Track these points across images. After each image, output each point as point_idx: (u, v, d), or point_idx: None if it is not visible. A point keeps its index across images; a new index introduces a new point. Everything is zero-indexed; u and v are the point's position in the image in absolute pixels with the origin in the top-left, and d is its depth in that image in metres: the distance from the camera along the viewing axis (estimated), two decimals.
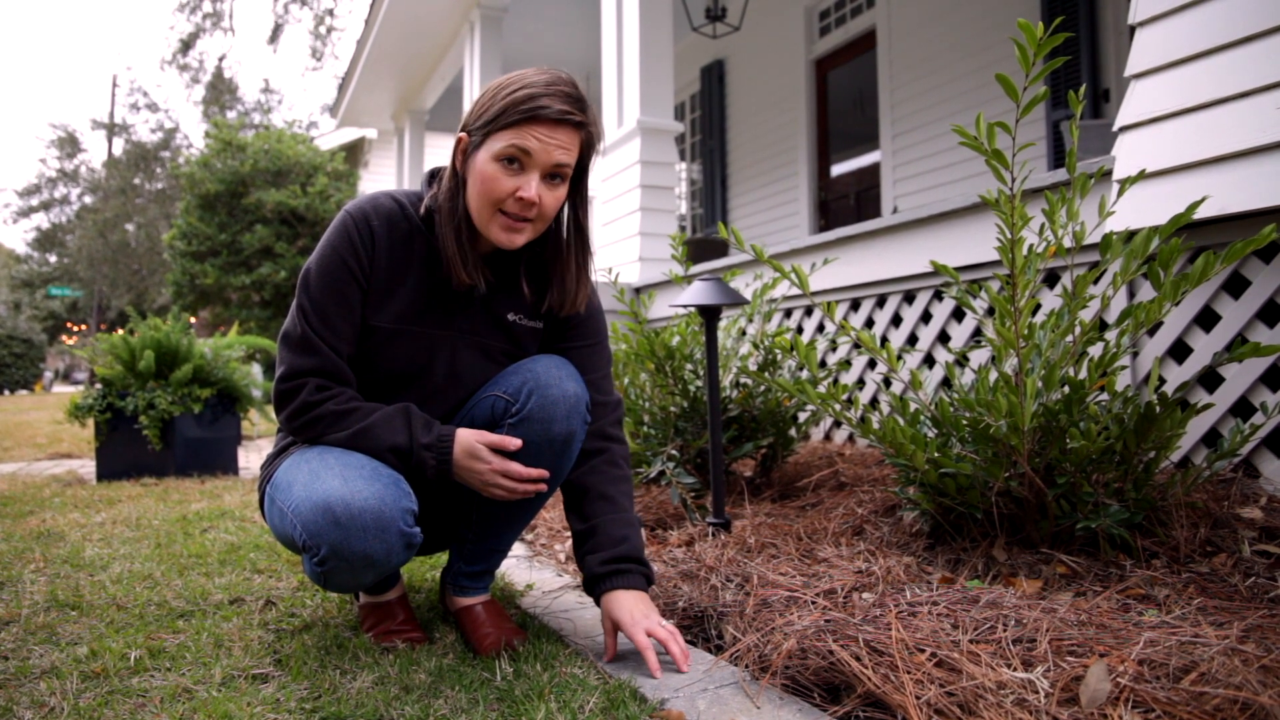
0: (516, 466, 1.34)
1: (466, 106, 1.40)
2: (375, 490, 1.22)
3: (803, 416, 2.61)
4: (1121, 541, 1.57)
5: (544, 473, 1.36)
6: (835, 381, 2.32)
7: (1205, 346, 1.96)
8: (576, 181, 1.39)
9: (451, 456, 1.34)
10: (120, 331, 4.05)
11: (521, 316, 1.47)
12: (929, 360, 2.75)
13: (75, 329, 31.10)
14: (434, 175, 1.44)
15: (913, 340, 2.83)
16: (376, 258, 1.37)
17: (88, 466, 4.33)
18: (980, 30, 5.36)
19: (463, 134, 1.35)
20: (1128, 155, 2.01)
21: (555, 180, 1.32)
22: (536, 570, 1.95)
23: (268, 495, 1.37)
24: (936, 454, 1.59)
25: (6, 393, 19.47)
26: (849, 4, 6.51)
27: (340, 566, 1.22)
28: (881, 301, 2.99)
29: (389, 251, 1.37)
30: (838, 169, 6.87)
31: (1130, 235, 1.76)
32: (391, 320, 1.38)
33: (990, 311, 2.15)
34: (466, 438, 1.34)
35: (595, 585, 1.39)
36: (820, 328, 3.24)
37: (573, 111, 1.29)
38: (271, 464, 1.43)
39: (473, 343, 1.43)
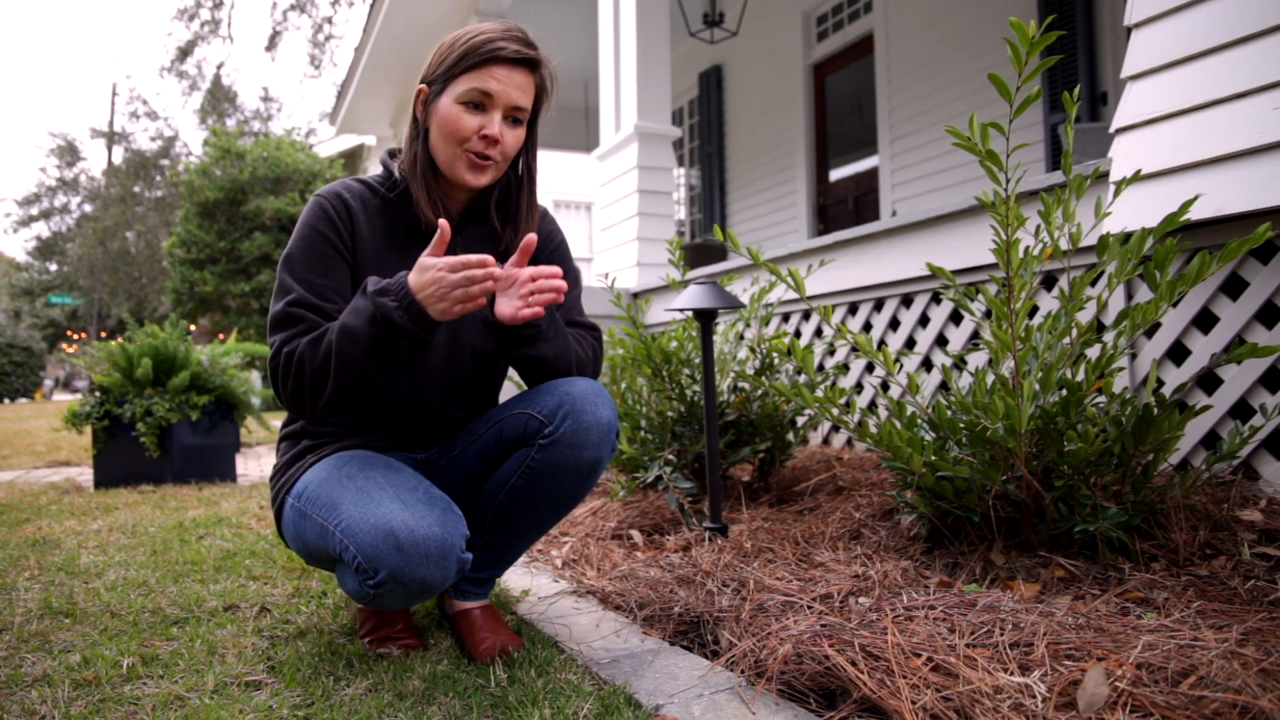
0: (463, 256, 1.21)
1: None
2: (436, 516, 1.21)
3: (800, 421, 2.60)
4: (1120, 544, 1.56)
5: (487, 259, 1.21)
6: (833, 385, 2.32)
7: (1203, 348, 1.95)
8: (529, 131, 1.47)
9: (409, 287, 1.23)
10: (119, 339, 4.04)
11: None
12: (926, 363, 2.75)
13: (75, 337, 31.11)
14: (393, 154, 1.50)
15: (910, 343, 2.83)
16: (357, 231, 1.40)
17: (86, 474, 4.33)
18: (978, 34, 5.37)
19: (423, 85, 1.41)
20: (1124, 157, 2.01)
21: (515, 123, 1.41)
22: (533, 576, 1.94)
23: (292, 507, 1.35)
24: (934, 457, 1.59)
25: (6, 401, 19.45)
26: (847, 9, 6.52)
27: (396, 590, 1.20)
28: (879, 305, 2.98)
29: (368, 225, 1.41)
30: (836, 173, 6.87)
31: (1127, 237, 1.75)
32: None
33: (988, 314, 2.14)
34: (414, 269, 1.25)
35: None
36: (818, 332, 3.24)
37: (527, 50, 1.39)
38: (285, 473, 1.42)
39: None
